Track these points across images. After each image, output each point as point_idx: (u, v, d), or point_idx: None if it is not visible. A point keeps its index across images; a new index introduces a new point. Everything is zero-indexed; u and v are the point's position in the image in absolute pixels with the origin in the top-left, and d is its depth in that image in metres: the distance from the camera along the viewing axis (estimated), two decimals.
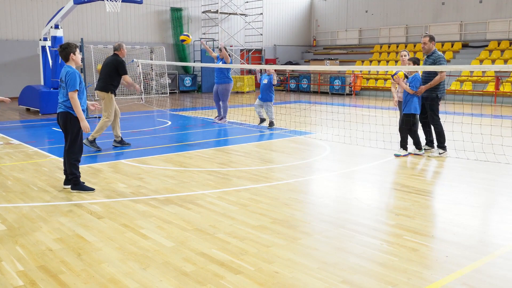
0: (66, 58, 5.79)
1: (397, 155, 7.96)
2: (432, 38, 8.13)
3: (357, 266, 3.73)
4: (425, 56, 8.24)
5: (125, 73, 8.58)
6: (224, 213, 5.03)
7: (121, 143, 8.79)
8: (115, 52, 8.69)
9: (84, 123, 5.72)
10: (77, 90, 5.66)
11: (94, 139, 8.44)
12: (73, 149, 5.84)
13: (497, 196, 5.82)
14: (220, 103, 12.14)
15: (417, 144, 8.09)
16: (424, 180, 6.63)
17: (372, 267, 3.71)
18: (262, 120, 11.52)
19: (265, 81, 11.30)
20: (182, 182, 6.31)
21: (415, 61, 7.83)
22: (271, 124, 11.23)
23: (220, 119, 12.13)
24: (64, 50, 5.76)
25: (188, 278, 3.54)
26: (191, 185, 6.20)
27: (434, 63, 7.97)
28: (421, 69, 7.86)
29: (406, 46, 24.07)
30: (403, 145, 8.06)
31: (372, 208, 5.27)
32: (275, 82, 11.25)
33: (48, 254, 3.99)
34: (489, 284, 3.44)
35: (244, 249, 4.06)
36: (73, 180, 5.87)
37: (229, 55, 12.18)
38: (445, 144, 8.02)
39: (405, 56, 8.48)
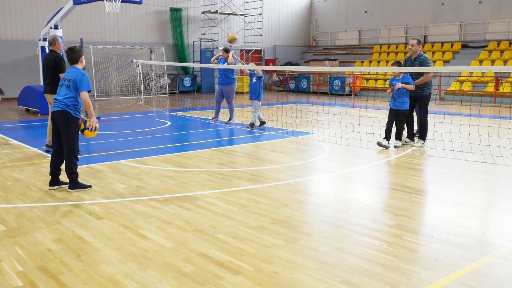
0: (76, 60, 6.02)
1: (397, 146, 8.70)
2: (419, 42, 9.09)
3: (356, 267, 3.73)
4: (412, 59, 9.07)
5: (62, 71, 7.84)
6: (224, 214, 5.02)
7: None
8: (50, 47, 8.09)
9: (93, 119, 6.06)
10: (90, 91, 5.95)
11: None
12: (73, 148, 5.88)
13: (497, 197, 5.82)
14: (223, 104, 12.09)
15: (400, 136, 8.93)
16: (423, 180, 6.63)
17: (371, 268, 3.71)
18: (263, 123, 11.39)
19: (254, 79, 11.17)
20: (181, 183, 6.31)
21: (400, 64, 9.05)
22: (251, 125, 11.10)
23: (229, 120, 12.02)
24: (77, 53, 6.02)
25: (188, 278, 3.54)
26: (191, 185, 6.19)
27: (422, 64, 8.86)
28: (410, 70, 8.62)
29: (405, 47, 24.07)
30: (400, 137, 8.85)
31: (372, 209, 5.27)
32: (260, 74, 11.06)
33: (47, 254, 3.99)
34: (488, 284, 3.44)
35: (244, 250, 4.06)
36: (72, 179, 5.89)
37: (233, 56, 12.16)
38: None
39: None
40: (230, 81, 11.82)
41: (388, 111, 9.03)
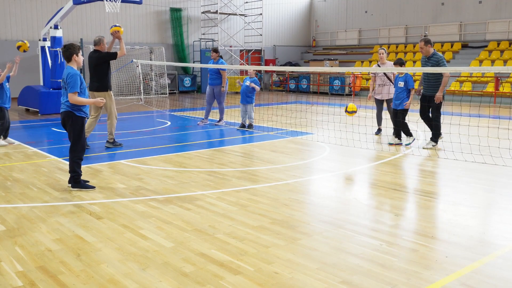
0: (69, 59, 5.85)
1: (391, 144, 8.93)
2: (427, 42, 8.44)
3: (356, 267, 3.73)
4: (425, 58, 8.62)
5: (115, 55, 8.54)
6: (224, 214, 5.02)
7: (113, 144, 8.81)
8: (95, 47, 8.51)
9: (93, 100, 6.05)
10: (77, 92, 5.73)
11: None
12: (76, 147, 5.91)
13: (497, 197, 5.82)
14: (216, 104, 11.94)
15: (401, 134, 9.11)
16: (423, 180, 6.63)
17: (371, 268, 3.71)
18: (245, 126, 11.24)
19: (247, 83, 11.00)
20: (181, 183, 6.31)
21: (401, 63, 8.82)
22: (250, 126, 11.08)
23: (219, 121, 11.97)
24: (68, 51, 5.83)
25: (188, 278, 3.54)
26: (191, 185, 6.19)
27: (437, 65, 8.33)
28: (411, 70, 8.74)
29: (405, 47, 24.10)
30: (399, 134, 9.06)
31: (372, 209, 5.27)
32: (257, 89, 10.96)
33: (47, 254, 3.99)
34: (488, 284, 3.44)
35: (244, 250, 4.06)
36: (74, 178, 5.92)
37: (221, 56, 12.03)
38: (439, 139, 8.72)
39: (382, 54, 9.82)
40: (221, 81, 11.58)
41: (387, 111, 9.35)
